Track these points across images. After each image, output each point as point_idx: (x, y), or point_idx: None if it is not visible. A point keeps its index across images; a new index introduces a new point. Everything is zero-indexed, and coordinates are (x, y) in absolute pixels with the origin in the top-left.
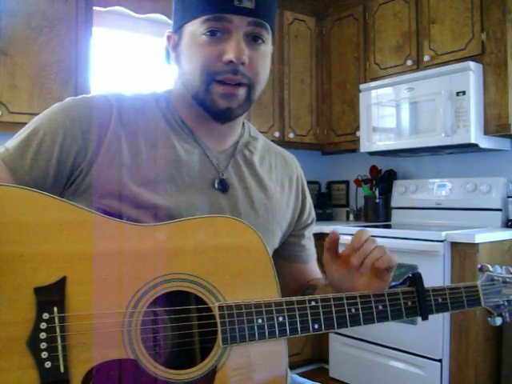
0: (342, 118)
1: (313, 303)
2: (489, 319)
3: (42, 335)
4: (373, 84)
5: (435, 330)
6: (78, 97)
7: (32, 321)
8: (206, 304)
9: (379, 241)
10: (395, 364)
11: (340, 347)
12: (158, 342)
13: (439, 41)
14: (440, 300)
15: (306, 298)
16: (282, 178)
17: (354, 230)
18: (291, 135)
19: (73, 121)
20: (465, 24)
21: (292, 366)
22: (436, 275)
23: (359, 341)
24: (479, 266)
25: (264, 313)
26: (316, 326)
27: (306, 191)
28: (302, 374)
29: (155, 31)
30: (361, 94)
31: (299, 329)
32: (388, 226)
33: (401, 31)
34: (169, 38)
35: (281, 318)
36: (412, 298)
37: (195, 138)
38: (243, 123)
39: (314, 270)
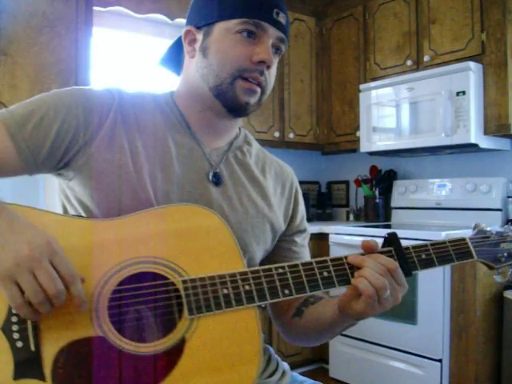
0: (342, 118)
1: (280, 270)
2: (494, 277)
3: (14, 319)
4: (373, 84)
5: (435, 330)
6: (82, 86)
7: (6, 308)
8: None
9: (379, 241)
10: (395, 364)
11: (340, 347)
12: (125, 318)
13: (439, 41)
14: (424, 256)
15: (273, 266)
16: (275, 181)
17: (353, 230)
18: (291, 135)
19: (76, 102)
20: (465, 24)
21: (292, 366)
22: (436, 275)
23: (359, 341)
24: (473, 224)
25: (229, 283)
26: (286, 291)
27: (299, 199)
28: (301, 374)
29: (155, 31)
30: (361, 94)
31: (268, 295)
32: (388, 226)
33: (401, 31)
34: (188, 32)
35: (247, 287)
36: (391, 257)
37: (190, 132)
38: (239, 128)
39: None
